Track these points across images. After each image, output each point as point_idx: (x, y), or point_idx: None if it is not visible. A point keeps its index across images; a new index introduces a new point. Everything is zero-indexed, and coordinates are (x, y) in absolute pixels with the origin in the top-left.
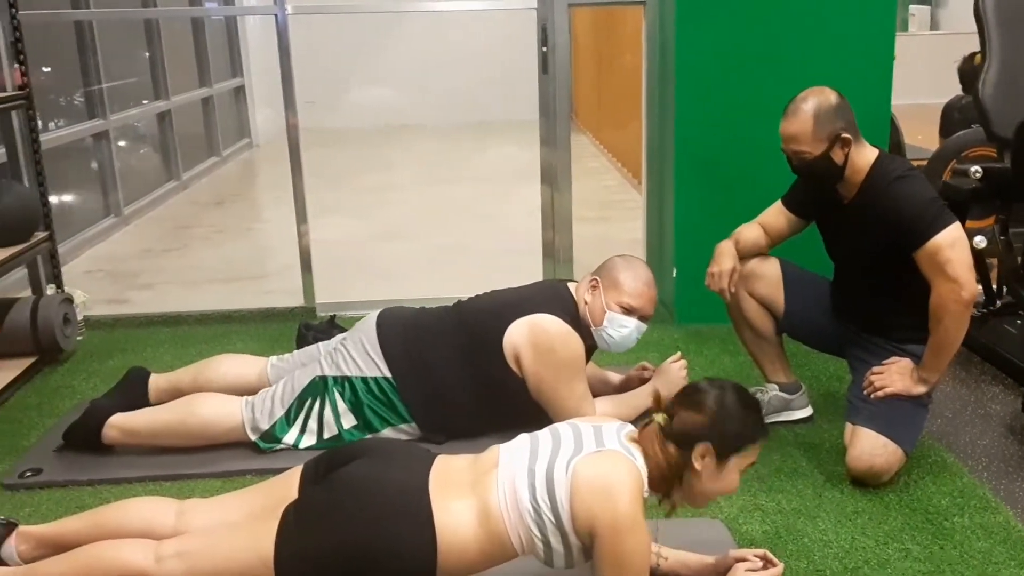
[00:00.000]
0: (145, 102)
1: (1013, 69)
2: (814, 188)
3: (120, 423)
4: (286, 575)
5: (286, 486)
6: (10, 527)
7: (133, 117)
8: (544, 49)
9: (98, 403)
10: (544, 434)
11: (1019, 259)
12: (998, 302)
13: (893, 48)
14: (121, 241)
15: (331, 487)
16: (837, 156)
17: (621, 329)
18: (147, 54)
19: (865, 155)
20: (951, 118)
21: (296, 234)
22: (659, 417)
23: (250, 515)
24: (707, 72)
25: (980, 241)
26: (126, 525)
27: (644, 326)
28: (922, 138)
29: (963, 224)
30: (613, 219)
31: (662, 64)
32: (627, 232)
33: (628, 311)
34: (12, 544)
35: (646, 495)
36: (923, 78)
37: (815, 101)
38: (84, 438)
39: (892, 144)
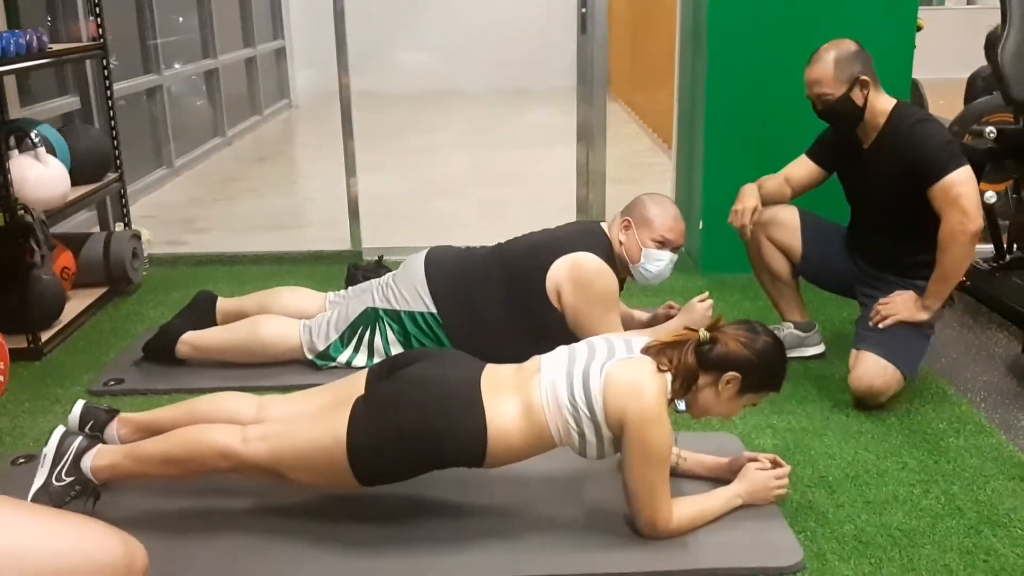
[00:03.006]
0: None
1: None
2: (837, 132)
3: (191, 340)
4: (357, 453)
5: (354, 385)
6: (112, 413)
7: (185, 73)
8: (583, 10)
9: (172, 323)
10: (580, 345)
11: None
12: (1008, 256)
13: (916, 14)
14: (173, 191)
15: (397, 382)
16: (857, 98)
17: (658, 263)
18: (197, 14)
19: (884, 102)
20: (975, 86)
21: (345, 186)
22: (702, 334)
23: (322, 408)
24: (738, 34)
25: (991, 197)
26: (214, 414)
27: (676, 257)
28: (944, 103)
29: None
30: (643, 180)
31: (695, 26)
32: (657, 190)
33: (662, 244)
34: (114, 428)
35: (668, 395)
36: (958, 52)
37: (835, 48)
38: (160, 352)
39: None
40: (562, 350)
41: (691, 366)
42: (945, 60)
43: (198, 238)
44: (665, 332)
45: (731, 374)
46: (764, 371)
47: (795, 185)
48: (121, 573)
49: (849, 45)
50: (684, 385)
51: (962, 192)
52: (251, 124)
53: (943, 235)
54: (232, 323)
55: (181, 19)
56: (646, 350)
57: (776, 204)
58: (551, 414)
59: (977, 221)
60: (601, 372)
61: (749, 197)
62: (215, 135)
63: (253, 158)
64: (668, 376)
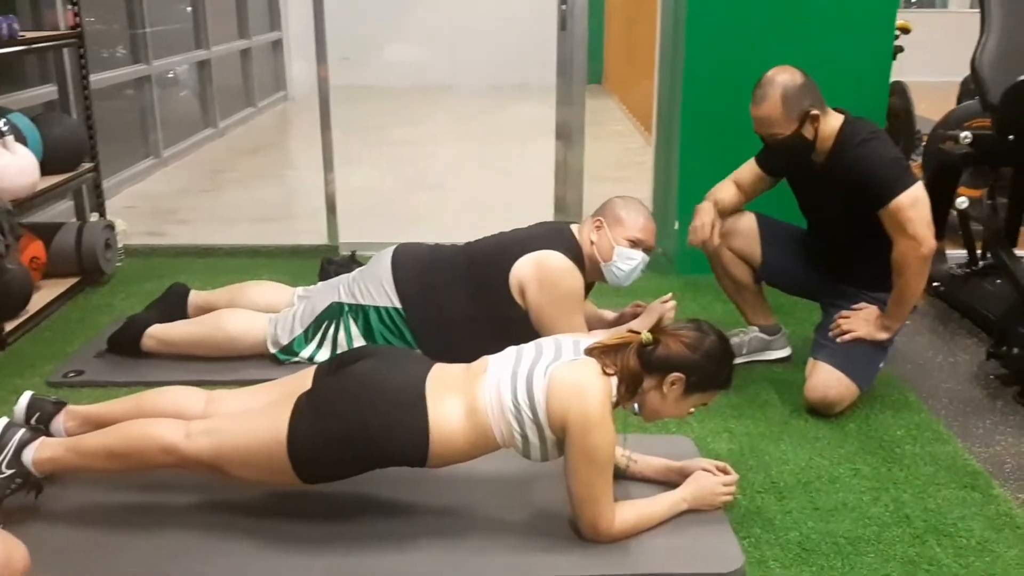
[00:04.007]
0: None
1: (1010, 39)
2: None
3: (157, 333)
4: (297, 450)
5: (301, 381)
6: (59, 406)
7: (175, 64)
8: (563, 7)
9: (139, 316)
10: (529, 346)
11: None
12: (980, 263)
13: (895, 16)
14: (159, 181)
15: (341, 379)
16: (808, 132)
17: (629, 261)
18: (190, 4)
19: (831, 123)
20: (967, 90)
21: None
22: (644, 336)
23: (269, 404)
24: (715, 33)
25: (962, 202)
26: (161, 408)
27: (647, 258)
28: (927, 106)
29: (955, 189)
30: (630, 179)
31: (674, 26)
32: (641, 191)
33: (634, 244)
34: (60, 421)
35: (613, 399)
36: (962, 56)
37: (781, 84)
38: (125, 345)
39: (902, 112)
40: (510, 351)
41: (634, 369)
42: (951, 64)
43: (178, 229)
44: (610, 334)
45: (675, 375)
46: (707, 369)
47: (747, 191)
48: None
49: (794, 78)
50: (629, 389)
51: (909, 217)
52: (245, 116)
53: (896, 260)
54: (198, 317)
55: (173, 9)
56: (589, 352)
57: (732, 213)
58: (494, 416)
59: (928, 244)
60: (545, 374)
61: (705, 213)
62: (206, 126)
63: (244, 150)
64: (614, 380)
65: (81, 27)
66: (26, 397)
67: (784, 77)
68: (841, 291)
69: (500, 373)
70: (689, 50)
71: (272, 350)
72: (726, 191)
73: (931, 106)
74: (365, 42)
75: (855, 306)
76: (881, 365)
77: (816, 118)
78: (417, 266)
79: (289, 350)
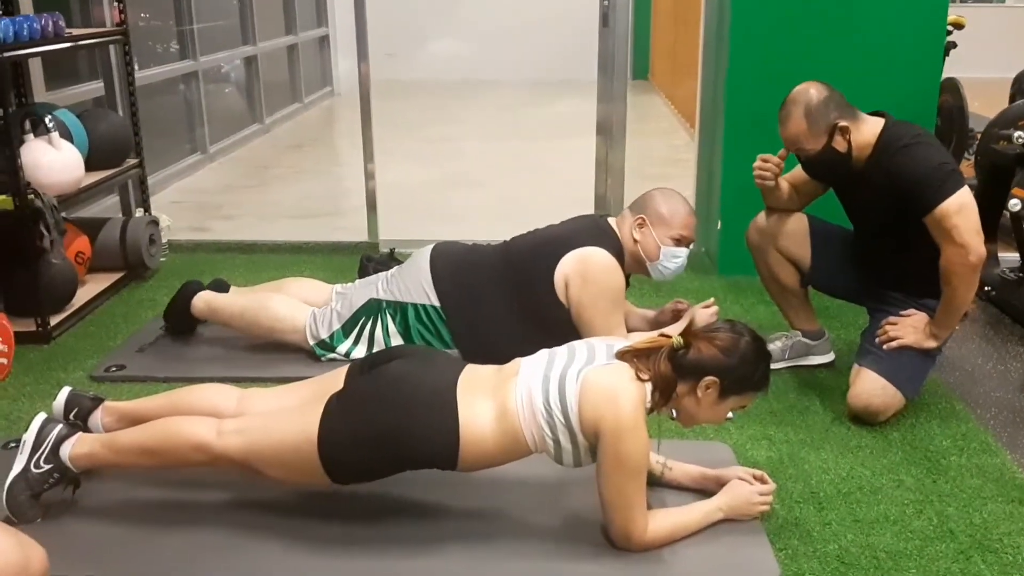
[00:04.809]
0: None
1: None
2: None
3: (207, 298)
4: (328, 450)
5: (334, 380)
6: (97, 401)
7: (222, 60)
8: (605, 3)
9: (192, 281)
10: (561, 349)
11: None
12: None
13: (946, 11)
14: (205, 176)
15: (372, 379)
16: (839, 144)
17: (675, 260)
18: (237, 0)
19: (868, 129)
20: (1020, 88)
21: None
22: (675, 340)
23: (302, 403)
24: (760, 30)
25: (1015, 204)
26: (195, 405)
27: (690, 250)
28: (980, 104)
29: (1009, 190)
30: (673, 176)
31: (719, 22)
32: (685, 188)
33: (679, 241)
34: (98, 417)
35: (648, 404)
36: (1020, 52)
37: (803, 101)
38: (178, 309)
39: (955, 110)
40: (543, 353)
41: (666, 374)
42: (1005, 59)
43: (222, 225)
44: (643, 338)
45: (708, 379)
46: (740, 372)
47: (799, 191)
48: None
49: (817, 92)
50: (663, 394)
51: (955, 224)
52: (291, 111)
53: (943, 268)
54: (248, 290)
55: (220, 5)
56: (620, 356)
57: (785, 210)
58: (526, 420)
59: (977, 251)
60: (578, 378)
61: (772, 157)
62: (253, 122)
63: (290, 145)
64: (648, 385)
65: (126, 24)
66: (64, 393)
67: (806, 94)
68: (889, 297)
69: (532, 376)
70: (733, 47)
71: (311, 343)
72: (784, 183)
73: (986, 103)
74: (409, 38)
75: (903, 312)
76: (928, 374)
77: (846, 129)
78: (455, 265)
79: (327, 345)
